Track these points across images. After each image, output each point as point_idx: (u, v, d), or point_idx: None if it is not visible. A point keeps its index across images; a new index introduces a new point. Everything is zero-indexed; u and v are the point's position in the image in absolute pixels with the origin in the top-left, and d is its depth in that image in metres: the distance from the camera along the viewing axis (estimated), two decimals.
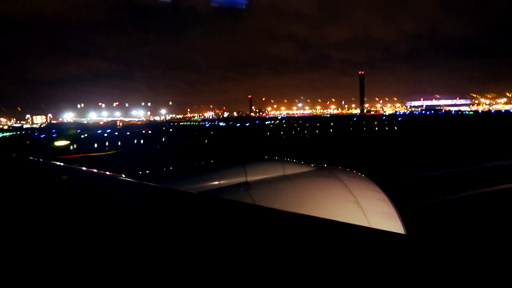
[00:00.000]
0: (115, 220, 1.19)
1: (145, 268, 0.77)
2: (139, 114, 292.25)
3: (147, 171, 3.04)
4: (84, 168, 2.30)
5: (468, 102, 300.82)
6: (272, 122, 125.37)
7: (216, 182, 2.81)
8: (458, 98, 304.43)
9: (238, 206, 1.52)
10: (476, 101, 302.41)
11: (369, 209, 2.85)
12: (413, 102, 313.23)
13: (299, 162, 3.31)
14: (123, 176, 2.32)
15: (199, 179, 2.83)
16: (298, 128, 75.69)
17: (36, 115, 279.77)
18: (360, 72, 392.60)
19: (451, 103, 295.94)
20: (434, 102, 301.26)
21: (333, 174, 3.13)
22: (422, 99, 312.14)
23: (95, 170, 2.28)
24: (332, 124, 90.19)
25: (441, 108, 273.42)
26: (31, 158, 2.95)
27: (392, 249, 0.92)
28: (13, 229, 1.07)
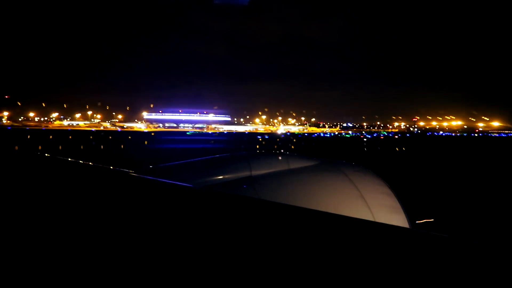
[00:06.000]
0: (120, 214, 1.22)
1: (149, 261, 0.77)
2: None
3: (151, 166, 3.05)
4: (89, 163, 2.33)
5: (229, 118, 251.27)
6: None
7: (221, 177, 2.84)
8: (199, 114, 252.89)
9: (243, 201, 1.53)
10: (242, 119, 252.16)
11: (373, 203, 2.85)
12: (153, 115, 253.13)
13: (304, 156, 3.33)
14: (127, 171, 2.34)
15: (203, 173, 2.86)
16: None
17: None
18: None
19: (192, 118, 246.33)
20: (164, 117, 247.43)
21: (338, 168, 3.13)
22: (161, 111, 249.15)
23: (100, 165, 2.31)
24: None
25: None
26: (35, 153, 2.97)
27: (396, 242, 0.93)
28: (19, 224, 1.07)
